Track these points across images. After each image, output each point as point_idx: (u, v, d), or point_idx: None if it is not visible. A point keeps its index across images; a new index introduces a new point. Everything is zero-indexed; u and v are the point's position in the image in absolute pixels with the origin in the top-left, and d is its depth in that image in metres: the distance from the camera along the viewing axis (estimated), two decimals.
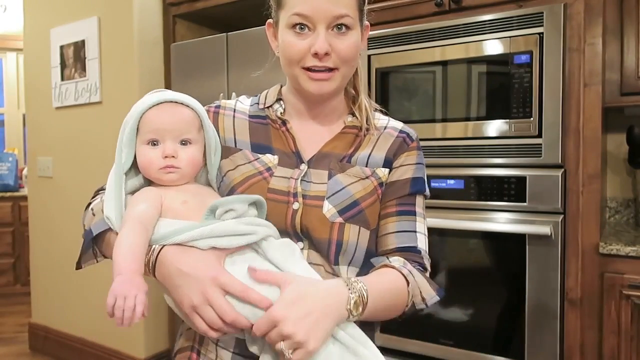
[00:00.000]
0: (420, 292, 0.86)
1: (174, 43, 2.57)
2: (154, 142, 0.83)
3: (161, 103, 0.84)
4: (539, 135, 1.65)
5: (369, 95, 1.00)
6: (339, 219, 0.84)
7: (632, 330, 1.58)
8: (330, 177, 0.88)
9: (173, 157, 0.82)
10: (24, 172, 4.38)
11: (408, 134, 0.95)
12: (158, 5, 2.60)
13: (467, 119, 1.78)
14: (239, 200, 0.80)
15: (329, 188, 0.87)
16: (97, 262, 0.90)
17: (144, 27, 2.54)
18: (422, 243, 0.91)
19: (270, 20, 0.92)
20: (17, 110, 5.00)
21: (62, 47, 2.78)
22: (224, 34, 2.32)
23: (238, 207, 0.80)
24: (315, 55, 0.82)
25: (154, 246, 0.77)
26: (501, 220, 1.71)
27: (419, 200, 0.93)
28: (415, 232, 0.90)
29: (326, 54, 0.82)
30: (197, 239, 0.76)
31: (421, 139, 0.92)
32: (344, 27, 0.83)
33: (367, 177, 0.90)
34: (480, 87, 1.76)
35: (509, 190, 1.70)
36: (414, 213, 0.91)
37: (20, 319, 3.59)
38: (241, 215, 0.80)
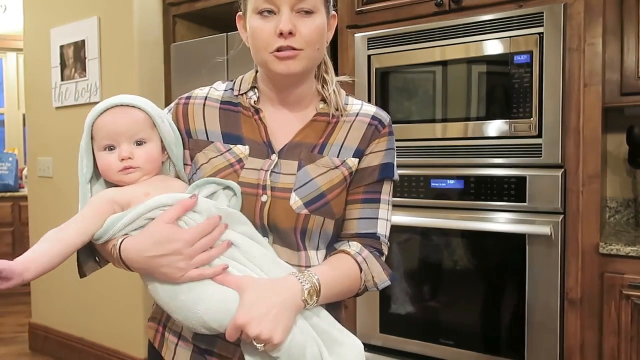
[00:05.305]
0: (373, 277, 0.92)
1: (174, 43, 2.58)
2: (110, 147, 0.86)
3: (110, 108, 0.86)
4: (539, 135, 1.65)
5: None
6: (305, 211, 0.87)
7: (632, 330, 1.58)
8: (299, 167, 0.90)
9: (130, 158, 0.85)
10: (24, 172, 4.38)
11: (380, 120, 0.96)
12: (158, 5, 2.60)
13: (467, 119, 1.78)
14: (213, 182, 0.87)
15: (297, 180, 0.89)
16: (100, 267, 0.93)
17: (144, 27, 2.54)
18: (383, 228, 0.95)
19: (240, 13, 0.95)
20: (17, 110, 5.00)
21: (62, 47, 2.78)
22: (224, 34, 2.32)
23: (209, 188, 0.86)
24: (281, 35, 0.84)
25: (114, 243, 0.81)
26: (501, 220, 1.71)
27: (386, 187, 0.96)
28: (377, 218, 0.94)
29: (290, 33, 0.84)
30: (155, 207, 0.81)
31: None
32: (304, 12, 0.85)
33: (336, 167, 0.92)
34: (480, 87, 1.76)
35: (509, 190, 1.70)
36: (378, 200, 0.95)
37: (20, 319, 3.60)
38: (211, 194, 0.86)
